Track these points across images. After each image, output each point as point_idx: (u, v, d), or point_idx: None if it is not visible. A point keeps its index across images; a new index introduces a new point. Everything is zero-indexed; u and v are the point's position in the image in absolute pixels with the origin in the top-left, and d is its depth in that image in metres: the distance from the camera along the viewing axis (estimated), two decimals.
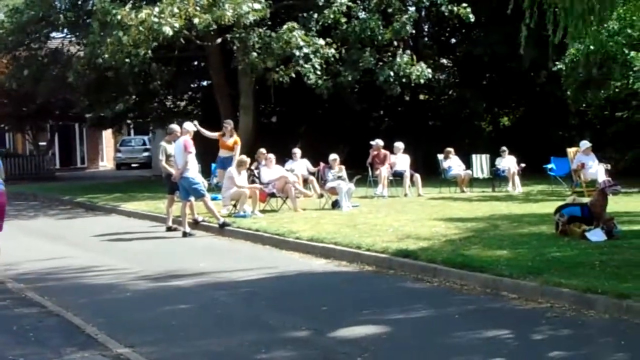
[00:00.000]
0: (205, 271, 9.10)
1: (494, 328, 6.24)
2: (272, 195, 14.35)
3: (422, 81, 20.34)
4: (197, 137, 13.16)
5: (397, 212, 13.39)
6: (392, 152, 17.50)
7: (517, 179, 17.69)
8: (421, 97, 27.52)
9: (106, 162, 40.20)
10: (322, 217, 12.75)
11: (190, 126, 12.89)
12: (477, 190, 17.59)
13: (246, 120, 21.52)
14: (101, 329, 6.53)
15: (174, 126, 13.61)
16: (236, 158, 14.63)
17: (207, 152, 15.88)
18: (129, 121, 29.96)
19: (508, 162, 18.00)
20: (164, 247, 11.56)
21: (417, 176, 17.08)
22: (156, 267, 9.46)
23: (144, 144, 37.68)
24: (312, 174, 16.83)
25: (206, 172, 16.10)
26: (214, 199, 14.05)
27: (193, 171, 12.58)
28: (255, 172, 14.91)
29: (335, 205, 14.31)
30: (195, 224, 12.98)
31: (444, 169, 18.03)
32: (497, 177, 18.11)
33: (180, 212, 12.87)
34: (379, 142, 17.35)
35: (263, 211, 13.85)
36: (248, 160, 14.31)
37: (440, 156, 18.27)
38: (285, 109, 27.68)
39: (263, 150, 16.56)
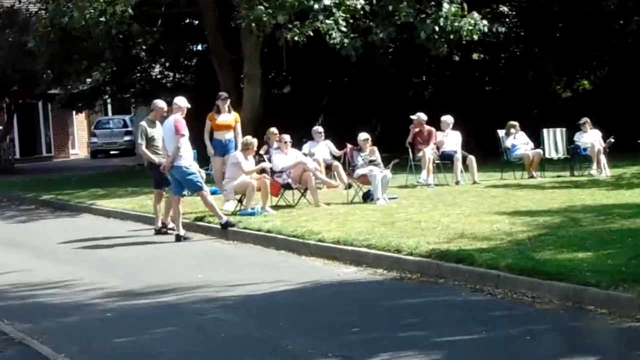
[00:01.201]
0: (205, 284, 9.16)
1: (578, 354, 6.18)
2: (287, 186, 14.33)
3: (475, 37, 20.07)
4: (190, 115, 13.18)
5: (446, 204, 13.40)
6: (438, 128, 17.46)
7: (603, 158, 17.55)
8: (475, 56, 27.43)
9: (78, 150, 40.57)
10: (351, 213, 12.79)
11: (183, 101, 12.88)
12: (550, 174, 17.59)
13: (252, 93, 21.56)
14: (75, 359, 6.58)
15: (158, 101, 13.77)
16: (240, 140, 14.75)
17: (202, 134, 15.88)
18: (105, 97, 30.24)
19: (591, 138, 17.84)
20: (152, 254, 11.65)
21: (472, 158, 16.99)
22: (142, 280, 9.55)
23: (125, 125, 38.07)
24: (337, 158, 16.79)
25: (203, 160, 16.13)
26: (213, 192, 14.09)
27: (187, 158, 12.62)
28: (265, 157, 14.91)
29: (368, 197, 14.33)
30: (160, 231, 13.04)
31: (506, 148, 17.99)
32: (576, 157, 18.03)
33: (171, 211, 12.99)
34: (422, 116, 17.25)
35: (276, 207, 13.86)
36: (255, 141, 14.34)
37: (501, 132, 18.17)
38: (301, 77, 27.70)
39: (274, 129, 16.54)
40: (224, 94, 15.83)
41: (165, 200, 13.47)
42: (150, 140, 13.17)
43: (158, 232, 13.21)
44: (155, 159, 13.05)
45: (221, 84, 22.01)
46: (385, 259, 9.67)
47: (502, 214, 11.92)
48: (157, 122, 13.41)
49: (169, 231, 13.09)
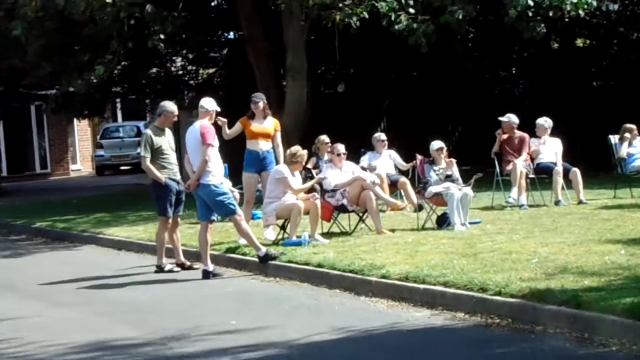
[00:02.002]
0: (240, 333, 9.20)
1: None
2: (342, 209, 14.46)
3: (581, 12, 19.71)
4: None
5: (544, 230, 13.37)
6: (532, 134, 17.40)
7: None
8: (579, 42, 27.33)
9: (81, 165, 41.15)
10: (423, 242, 12.83)
11: (211, 104, 13.00)
12: None
13: (297, 92, 21.74)
14: None
15: (167, 104, 13.80)
16: (280, 152, 14.82)
17: (234, 145, 15.93)
18: (114, 99, 30.47)
19: None
20: (174, 295, 11.77)
21: (576, 171, 16.88)
22: (161, 329, 9.59)
23: (139, 134, 37.95)
24: (405, 173, 16.76)
25: (235, 176, 16.20)
26: (253, 217, 14.13)
27: (217, 175, 12.75)
28: (314, 172, 14.92)
29: (443, 222, 14.36)
30: (184, 266, 13.21)
31: (620, 158, 17.71)
32: None
33: (198, 241, 13.05)
34: (513, 118, 17.18)
35: (328, 235, 14.03)
36: (305, 153, 14.39)
37: (614, 138, 17.94)
38: (358, 71, 27.84)
39: (325, 138, 16.59)
40: (258, 96, 15.72)
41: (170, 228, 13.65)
42: (157, 152, 13.26)
43: (181, 266, 13.41)
44: (162, 177, 13.21)
45: (258, 82, 22.16)
46: (467, 300, 9.64)
47: (617, 242, 11.78)
48: (167, 130, 13.57)
49: (194, 265, 13.26)
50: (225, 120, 14.19)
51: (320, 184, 14.62)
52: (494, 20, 20.88)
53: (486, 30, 24.19)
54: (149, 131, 13.51)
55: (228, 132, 14.66)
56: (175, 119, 13.70)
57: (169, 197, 13.29)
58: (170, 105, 13.70)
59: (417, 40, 18.72)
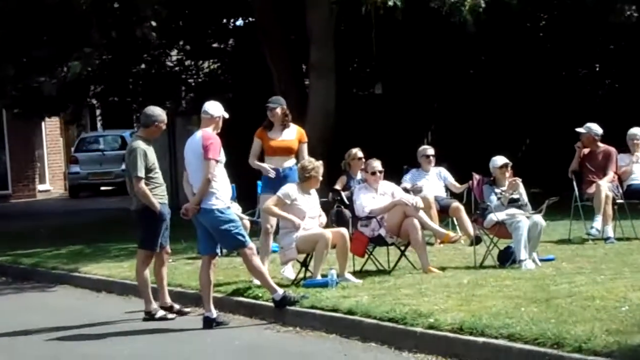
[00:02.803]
0: None
1: None
2: (379, 241, 14.45)
3: None
4: (227, 130, 13.27)
5: (635, 270, 13.29)
6: (621, 149, 17.39)
7: None
8: None
9: (50, 185, 41.10)
10: (481, 284, 12.83)
11: (217, 109, 12.95)
12: None
13: (322, 93, 21.96)
14: None
15: (154, 110, 13.79)
16: None
17: (240, 159, 15.92)
18: (92, 101, 30.71)
19: None
20: (168, 350, 11.68)
21: None
22: None
23: (124, 145, 38.14)
24: (458, 196, 16.77)
25: (246, 199, 16.23)
26: (273, 251, 14.24)
27: (223, 197, 12.73)
28: (344, 195, 14.93)
29: (507, 258, 14.35)
30: (172, 310, 13.26)
31: None
32: None
33: (199, 280, 13.00)
34: (594, 128, 17.24)
35: (362, 273, 14.03)
36: (320, 165, 14.05)
37: None
38: (399, 68, 27.73)
39: (358, 152, 16.60)
40: (275, 101, 15.57)
41: (154, 265, 13.71)
42: (149, 172, 13.38)
43: (169, 309, 13.49)
44: (157, 203, 13.32)
45: (275, 81, 22.25)
46: (538, 358, 9.51)
47: None
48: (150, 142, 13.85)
49: (184, 309, 13.37)
50: (272, 171, 14.31)
51: (352, 210, 14.68)
52: (572, 3, 20.93)
53: (561, 15, 24.23)
54: (141, 144, 13.50)
55: (252, 157, 14.73)
56: (162, 125, 13.74)
57: (160, 227, 13.43)
58: (163, 113, 13.73)
59: (462, 18, 18.69)
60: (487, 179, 15.28)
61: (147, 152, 13.38)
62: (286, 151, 14.92)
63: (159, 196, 13.46)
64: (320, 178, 14.18)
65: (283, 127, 14.94)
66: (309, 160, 14.09)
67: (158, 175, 13.58)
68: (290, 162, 14.91)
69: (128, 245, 19.10)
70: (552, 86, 26.80)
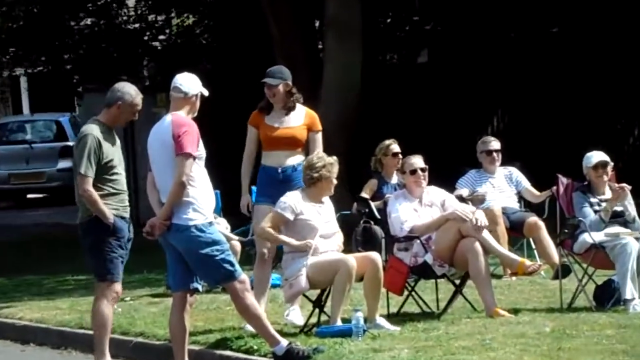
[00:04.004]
0: None
1: None
2: (424, 271, 14.47)
3: None
4: (207, 113, 13.20)
5: None
6: None
7: None
8: None
9: None
10: (571, 333, 13.00)
11: (194, 84, 12.96)
12: None
13: (342, 62, 21.98)
14: None
15: (128, 87, 13.75)
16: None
17: (228, 156, 15.99)
18: (15, 72, 30.73)
19: None
20: None
21: None
22: None
23: (61, 135, 38.21)
24: (537, 208, 16.77)
25: (238, 212, 16.25)
26: (274, 285, 14.20)
27: (202, 208, 12.67)
28: (373, 206, 14.98)
29: (608, 296, 14.35)
30: None
31: None
32: None
33: (169, 328, 13.09)
34: None
35: (400, 317, 14.11)
36: (333, 161, 14.09)
37: None
38: (450, 28, 27.83)
39: (393, 145, 16.71)
40: (277, 72, 15.50)
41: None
42: (104, 170, 13.20)
43: None
44: (109, 213, 13.11)
45: (276, 45, 22.22)
46: None
47: None
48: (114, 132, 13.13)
49: None
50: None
51: (386, 227, 14.65)
52: None
53: None
54: (95, 129, 13.33)
55: (246, 157, 15.12)
56: (137, 115, 13.68)
57: (116, 248, 13.22)
58: (136, 93, 13.38)
59: None
60: (578, 183, 15.12)
61: (101, 142, 13.20)
62: (290, 143, 14.73)
63: (115, 205, 13.46)
64: (335, 180, 13.90)
65: (287, 110, 14.81)
66: (317, 156, 13.96)
67: (118, 178, 13.05)
68: (296, 158, 14.68)
69: (67, 276, 19.19)
70: None
